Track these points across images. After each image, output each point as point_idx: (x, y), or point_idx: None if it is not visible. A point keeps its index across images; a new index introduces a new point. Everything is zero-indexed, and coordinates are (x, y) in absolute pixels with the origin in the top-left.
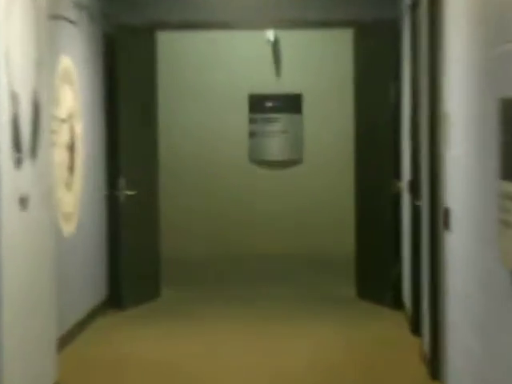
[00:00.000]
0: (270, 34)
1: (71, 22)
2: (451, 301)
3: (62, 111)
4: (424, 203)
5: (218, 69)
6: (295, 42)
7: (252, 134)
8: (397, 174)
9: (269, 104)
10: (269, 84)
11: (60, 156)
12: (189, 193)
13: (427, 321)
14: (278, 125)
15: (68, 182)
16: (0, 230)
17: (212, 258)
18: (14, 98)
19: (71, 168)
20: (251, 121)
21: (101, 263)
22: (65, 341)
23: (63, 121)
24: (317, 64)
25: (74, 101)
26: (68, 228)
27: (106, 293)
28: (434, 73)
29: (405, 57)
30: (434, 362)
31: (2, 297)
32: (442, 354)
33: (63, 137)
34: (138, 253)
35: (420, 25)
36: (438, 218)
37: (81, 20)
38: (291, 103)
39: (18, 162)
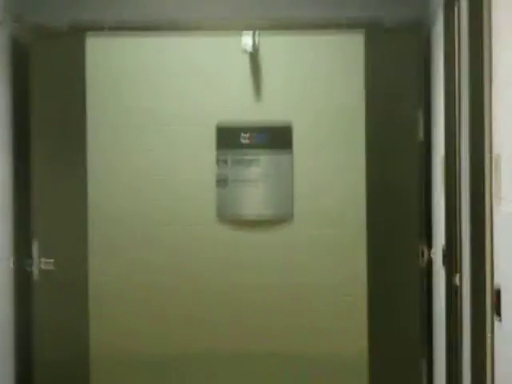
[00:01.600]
0: (248, 40)
1: None
2: None
3: None
4: (465, 281)
5: (172, 89)
6: (282, 51)
7: (221, 182)
8: (426, 239)
9: (245, 139)
10: (245, 111)
11: None
12: (127, 268)
13: None
14: (258, 168)
15: None
16: None
17: (161, 363)
18: None
19: None
20: (220, 162)
21: (5, 368)
22: None
23: None
24: (312, 83)
25: None
26: None
27: None
28: (479, 99)
29: (437, 76)
30: None
31: None
32: None
33: None
34: (58, 354)
35: (459, 29)
36: (486, 304)
37: None
38: (276, 137)
39: None
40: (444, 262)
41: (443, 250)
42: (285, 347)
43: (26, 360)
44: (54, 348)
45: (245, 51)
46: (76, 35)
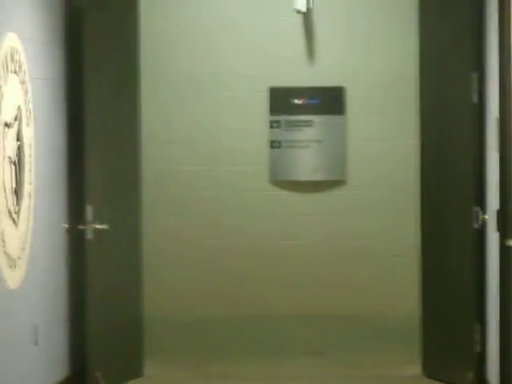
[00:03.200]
0: (301, 1)
1: None
2: None
3: (5, 111)
4: None
5: (224, 51)
6: (336, 12)
7: (274, 144)
8: (480, 202)
9: (298, 101)
10: (298, 73)
11: (1, 174)
12: (182, 229)
13: None
14: (311, 131)
15: (13, 211)
16: None
17: (215, 321)
18: None
19: (18, 191)
20: (273, 125)
21: (60, 327)
22: None
23: (7, 125)
24: (366, 45)
25: (22, 96)
26: (13, 277)
27: (66, 370)
28: None
29: (491, 37)
30: None
31: None
32: None
33: (6, 147)
34: (111, 313)
35: None
36: None
37: None
38: (330, 100)
39: None
40: (498, 225)
41: (497, 213)
42: (337, 308)
43: (79, 317)
44: (107, 313)
45: (298, 11)
46: None
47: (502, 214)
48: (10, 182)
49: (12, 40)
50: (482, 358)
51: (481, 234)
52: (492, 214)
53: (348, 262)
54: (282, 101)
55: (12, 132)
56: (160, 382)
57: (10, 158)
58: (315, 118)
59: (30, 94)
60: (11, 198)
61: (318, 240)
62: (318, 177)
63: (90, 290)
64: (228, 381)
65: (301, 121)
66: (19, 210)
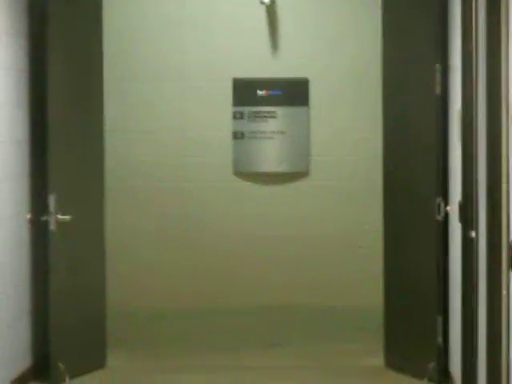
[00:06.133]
0: None
1: None
2: None
3: None
4: (481, 235)
5: (188, 41)
6: (301, 3)
7: (237, 136)
8: (443, 194)
9: (261, 92)
10: (262, 64)
11: None
12: (144, 220)
13: None
14: (275, 122)
15: None
16: None
17: (177, 314)
18: None
19: None
20: (236, 116)
21: (21, 318)
22: None
23: None
24: (330, 37)
25: None
26: None
27: (29, 361)
28: (496, 51)
29: (454, 28)
30: None
31: None
32: None
33: None
34: (73, 304)
35: None
36: (501, 257)
37: None
38: (293, 92)
39: None
40: (460, 218)
41: (459, 206)
42: (300, 299)
43: (42, 308)
44: (70, 304)
45: (262, 2)
46: None
47: (464, 206)
48: None
49: None
50: (444, 350)
51: (444, 226)
52: (455, 205)
53: (311, 253)
54: (245, 92)
55: None
56: (122, 373)
57: None
58: (279, 110)
59: None
60: None
61: (281, 231)
62: (281, 168)
63: (52, 281)
64: (189, 372)
65: (264, 112)
66: None
